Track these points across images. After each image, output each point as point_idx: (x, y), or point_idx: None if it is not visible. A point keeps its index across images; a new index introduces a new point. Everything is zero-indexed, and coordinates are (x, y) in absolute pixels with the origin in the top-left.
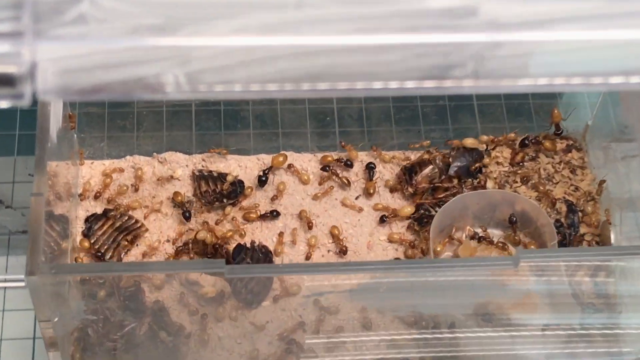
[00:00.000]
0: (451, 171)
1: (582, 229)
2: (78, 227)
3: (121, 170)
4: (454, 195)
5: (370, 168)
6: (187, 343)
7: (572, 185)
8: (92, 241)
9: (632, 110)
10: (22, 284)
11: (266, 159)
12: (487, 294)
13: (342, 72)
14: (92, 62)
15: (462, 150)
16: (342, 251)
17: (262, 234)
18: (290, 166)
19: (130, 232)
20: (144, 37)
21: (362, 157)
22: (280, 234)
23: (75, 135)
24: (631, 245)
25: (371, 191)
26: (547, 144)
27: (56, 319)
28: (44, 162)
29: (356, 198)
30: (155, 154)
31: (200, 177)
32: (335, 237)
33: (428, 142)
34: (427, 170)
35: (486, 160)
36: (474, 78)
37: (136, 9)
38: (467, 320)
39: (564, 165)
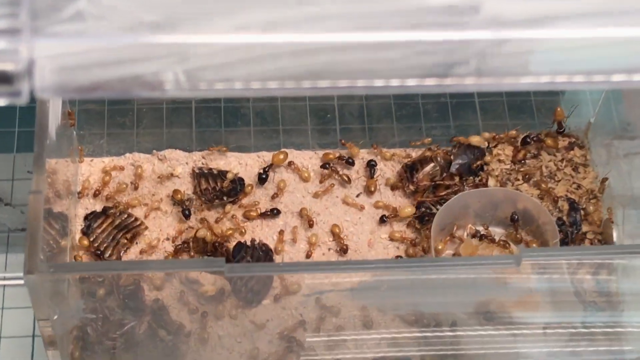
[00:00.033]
0: (452, 169)
1: (585, 227)
2: (77, 225)
3: (121, 169)
4: (455, 193)
5: (371, 166)
6: (187, 342)
7: (574, 183)
8: (92, 239)
9: (635, 107)
10: (21, 281)
11: (267, 156)
12: (489, 292)
13: (343, 69)
14: (90, 59)
15: (463, 148)
16: (343, 250)
17: (262, 232)
18: (290, 163)
19: (129, 230)
20: (143, 35)
21: (363, 155)
22: (281, 232)
23: (74, 133)
24: (634, 243)
25: (372, 189)
26: (549, 141)
27: (55, 317)
28: (42, 160)
29: (357, 196)
30: (155, 151)
31: (200, 175)
32: (336, 235)
33: (429, 139)
34: (429, 168)
35: (487, 158)
36: (477, 76)
37: (134, 6)
38: (468, 319)
39: (566, 163)
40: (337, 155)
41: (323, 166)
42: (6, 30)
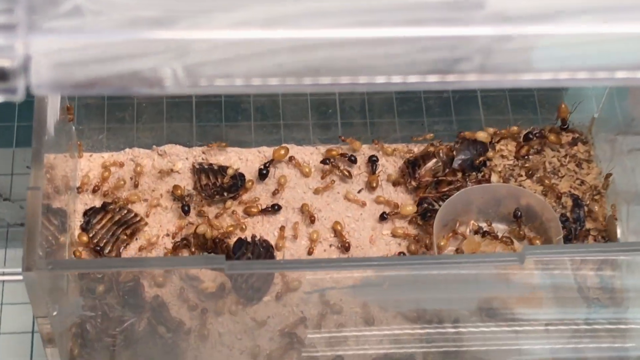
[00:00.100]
0: (455, 164)
1: (588, 224)
2: (76, 220)
3: (121, 165)
4: (457, 189)
5: (372, 161)
6: (187, 339)
7: (577, 179)
8: (91, 235)
9: None
10: (21, 277)
11: (267, 151)
12: (492, 289)
13: (344, 66)
14: (87, 55)
15: (466, 144)
16: (345, 247)
17: (263, 228)
18: (291, 159)
19: (129, 226)
20: (141, 30)
21: (365, 150)
22: (282, 228)
23: (73, 128)
24: (638, 240)
25: (374, 185)
26: (552, 137)
27: (55, 314)
28: (41, 155)
29: (359, 192)
30: (154, 146)
31: (201, 170)
32: (338, 232)
33: (431, 134)
34: (431, 163)
35: (490, 153)
36: (480, 72)
37: (133, 1)
38: (471, 316)
39: (570, 159)
40: (340, 152)
41: (324, 161)
42: (2, 26)
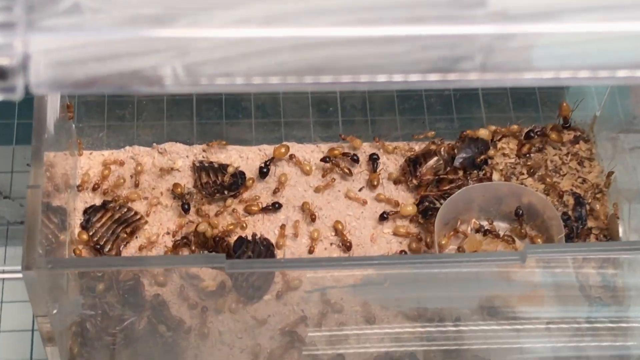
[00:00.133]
0: (456, 163)
1: (590, 222)
2: (76, 219)
3: (121, 164)
4: (459, 187)
5: (373, 159)
6: (187, 338)
7: (579, 177)
8: (91, 233)
9: None
10: (20, 275)
11: (268, 149)
12: (493, 287)
13: (346, 64)
14: (86, 53)
15: (467, 142)
16: (347, 247)
17: (263, 227)
18: (292, 157)
19: (129, 224)
20: (141, 28)
21: (365, 148)
22: (282, 227)
23: (73, 125)
24: None
25: (375, 183)
26: (554, 135)
27: (54, 312)
28: (41, 154)
29: (359, 190)
30: (155, 144)
31: (201, 168)
32: (339, 232)
33: (433, 132)
34: (432, 161)
35: (491, 152)
36: (482, 71)
37: None
38: (472, 315)
39: (572, 157)
40: (343, 151)
41: (323, 159)
42: (0, 24)
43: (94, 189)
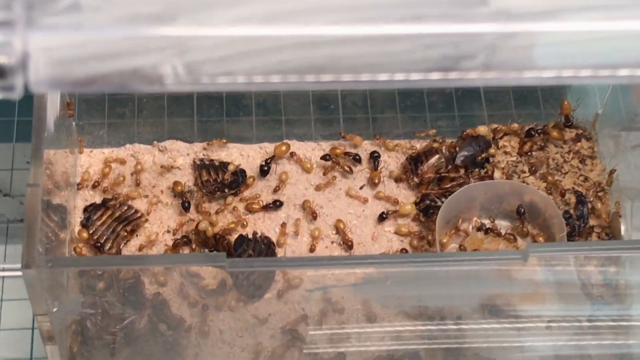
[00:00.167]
0: (458, 161)
1: (592, 221)
2: (77, 217)
3: (123, 162)
4: (460, 185)
5: (374, 157)
6: (188, 336)
7: (581, 175)
8: (91, 232)
9: None
10: (21, 273)
11: (269, 147)
12: (494, 286)
13: (347, 63)
14: (86, 52)
15: (469, 140)
16: (348, 246)
17: (264, 225)
18: (292, 154)
19: (129, 222)
20: (141, 26)
21: (367, 146)
22: (283, 225)
23: (73, 123)
24: None
25: (376, 181)
26: (555, 133)
27: (55, 310)
28: (40, 152)
29: (360, 188)
30: (155, 142)
31: (202, 166)
32: (340, 231)
33: (434, 130)
34: (433, 159)
35: (492, 150)
36: (484, 70)
37: None
38: (473, 313)
39: (573, 155)
40: (345, 151)
41: (323, 157)
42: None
43: (94, 187)
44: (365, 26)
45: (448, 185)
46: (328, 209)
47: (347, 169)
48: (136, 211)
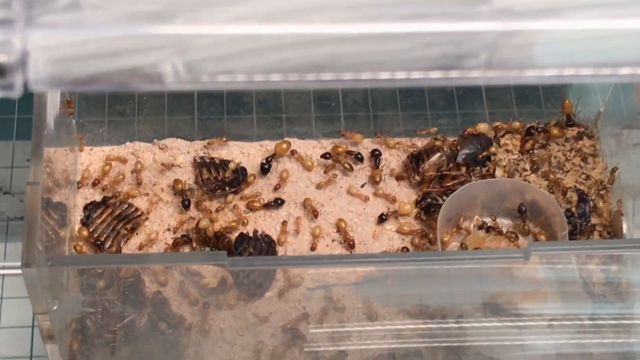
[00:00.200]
0: (459, 159)
1: (594, 219)
2: (77, 215)
3: (123, 160)
4: (462, 183)
5: (375, 155)
6: (188, 335)
7: (583, 173)
8: (91, 230)
9: None
10: (21, 271)
11: (269, 145)
12: (496, 285)
13: (348, 62)
14: (86, 50)
15: (470, 138)
16: (350, 245)
17: (265, 223)
18: (293, 152)
19: (130, 220)
20: (141, 25)
21: (368, 145)
22: (284, 223)
23: (73, 121)
24: None
25: (377, 179)
26: (555, 131)
27: (55, 308)
28: (40, 150)
29: (362, 186)
30: (155, 140)
31: (202, 164)
32: (342, 230)
33: (435, 128)
34: (435, 157)
35: (492, 149)
36: (486, 68)
37: None
38: (475, 312)
39: (575, 153)
40: (347, 149)
41: (324, 156)
42: None
43: (94, 185)
44: (366, 24)
45: (449, 184)
46: (329, 207)
47: (347, 167)
48: (136, 209)
